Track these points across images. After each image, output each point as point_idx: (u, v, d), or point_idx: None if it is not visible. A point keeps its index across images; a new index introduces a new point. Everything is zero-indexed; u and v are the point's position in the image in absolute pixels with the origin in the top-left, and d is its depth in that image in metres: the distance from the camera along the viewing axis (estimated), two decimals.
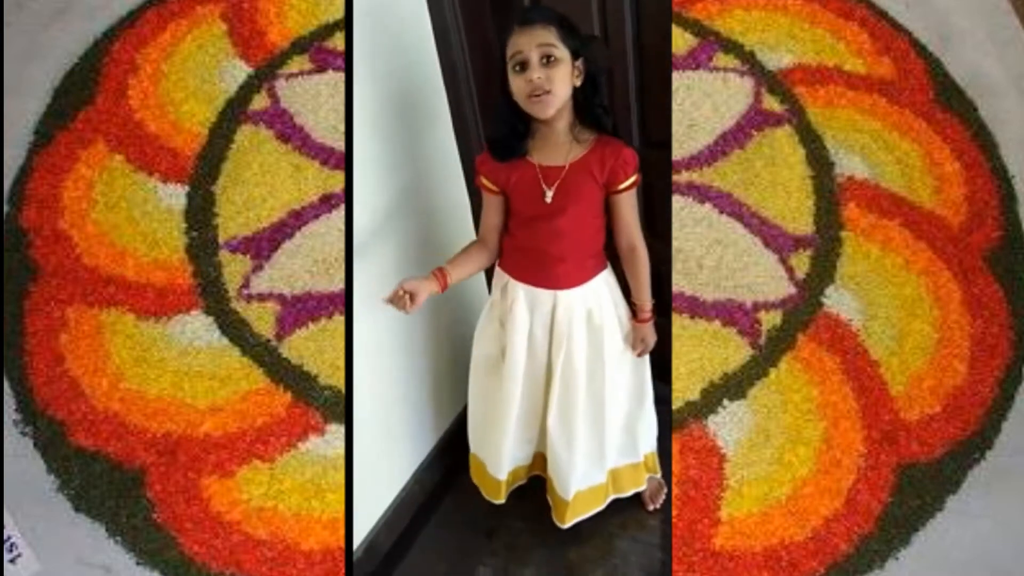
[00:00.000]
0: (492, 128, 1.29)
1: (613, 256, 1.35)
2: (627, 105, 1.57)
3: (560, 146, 1.23)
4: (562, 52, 1.16)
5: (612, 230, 1.30)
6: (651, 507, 1.53)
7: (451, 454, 1.63)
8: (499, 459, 1.44)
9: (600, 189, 1.24)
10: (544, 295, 1.30)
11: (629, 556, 1.46)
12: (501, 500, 1.49)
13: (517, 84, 1.17)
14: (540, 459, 1.52)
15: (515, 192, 1.26)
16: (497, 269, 1.36)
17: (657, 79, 1.56)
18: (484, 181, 1.29)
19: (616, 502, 1.51)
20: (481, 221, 1.34)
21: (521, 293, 1.31)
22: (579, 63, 1.19)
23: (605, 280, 1.34)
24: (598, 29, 1.50)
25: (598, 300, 1.32)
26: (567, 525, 1.45)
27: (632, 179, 1.24)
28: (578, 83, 1.19)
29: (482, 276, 1.60)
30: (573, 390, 1.34)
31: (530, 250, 1.28)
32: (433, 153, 1.56)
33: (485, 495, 1.51)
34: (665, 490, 1.55)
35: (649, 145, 1.59)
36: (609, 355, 1.35)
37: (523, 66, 1.16)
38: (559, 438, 1.39)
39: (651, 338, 1.36)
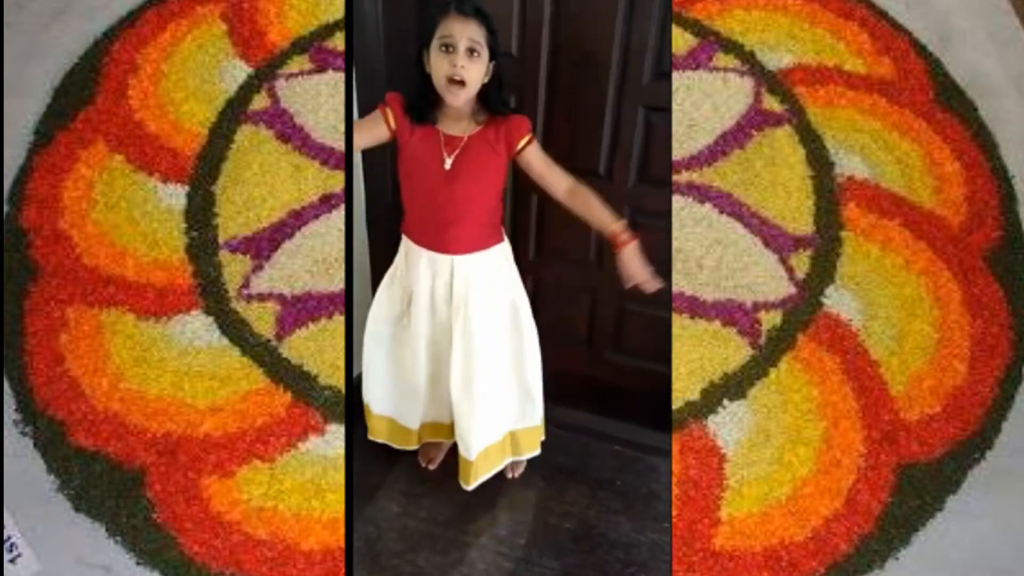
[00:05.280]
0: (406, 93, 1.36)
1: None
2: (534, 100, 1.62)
3: (461, 119, 1.32)
4: (485, 51, 1.25)
5: (543, 186, 1.36)
6: (510, 475, 1.62)
7: None
8: (410, 412, 1.53)
9: (500, 158, 1.32)
10: (442, 260, 1.36)
11: (477, 565, 1.46)
12: (415, 446, 1.59)
13: (440, 64, 1.25)
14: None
15: (415, 155, 1.33)
16: (403, 236, 1.42)
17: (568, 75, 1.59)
18: (388, 112, 1.32)
19: (470, 510, 1.55)
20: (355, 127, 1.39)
21: (423, 257, 1.37)
22: (492, 64, 1.28)
23: (503, 252, 1.43)
24: (516, 26, 1.56)
25: (495, 270, 1.41)
26: (471, 486, 1.50)
27: (528, 137, 1.32)
28: (486, 80, 1.29)
29: None
30: (471, 355, 1.41)
31: (429, 215, 1.35)
32: None
33: (399, 446, 1.59)
34: (524, 463, 1.63)
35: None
36: (504, 323, 1.44)
37: (449, 49, 1.23)
38: (461, 401, 1.44)
39: (636, 267, 1.28)
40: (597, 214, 1.32)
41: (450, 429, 1.58)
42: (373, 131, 1.34)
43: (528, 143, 1.32)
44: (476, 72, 1.25)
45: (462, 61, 1.23)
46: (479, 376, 1.42)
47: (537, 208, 1.73)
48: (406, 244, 1.42)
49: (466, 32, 1.23)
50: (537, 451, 1.61)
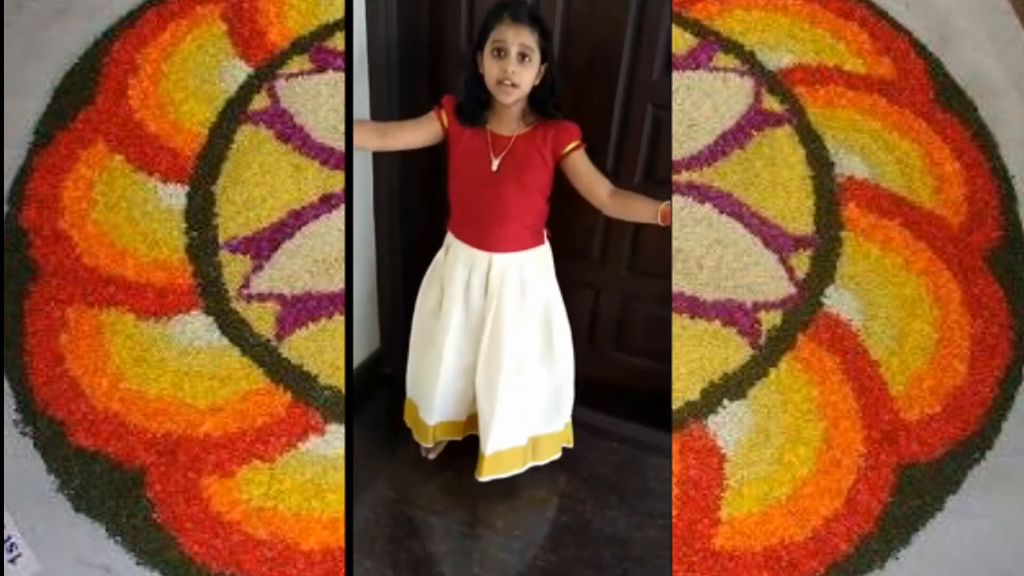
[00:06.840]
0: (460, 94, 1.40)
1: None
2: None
3: (511, 121, 1.37)
4: (536, 55, 1.30)
5: (586, 192, 1.38)
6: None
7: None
8: (431, 405, 1.55)
9: (546, 162, 1.36)
10: (481, 256, 1.41)
11: (472, 555, 1.48)
12: (428, 444, 1.62)
13: (492, 68, 1.30)
14: (474, 419, 1.59)
15: (465, 154, 1.38)
16: (448, 232, 1.47)
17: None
18: (442, 113, 1.38)
19: (468, 500, 1.58)
20: (401, 124, 1.42)
21: (462, 252, 1.42)
22: (544, 65, 1.33)
23: (542, 256, 1.46)
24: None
25: (532, 270, 1.44)
26: (483, 479, 1.53)
27: (575, 142, 1.36)
28: (538, 82, 1.33)
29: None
30: (500, 348, 1.44)
31: (473, 213, 1.40)
32: None
33: (416, 437, 1.63)
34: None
35: None
36: (536, 323, 1.47)
37: (501, 53, 1.28)
38: (483, 391, 1.49)
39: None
40: (641, 208, 1.34)
41: (463, 426, 1.63)
42: (426, 130, 1.39)
43: (575, 148, 1.36)
44: (527, 75, 1.30)
45: (513, 66, 1.28)
46: (505, 369, 1.45)
47: None
48: (448, 239, 1.47)
49: (518, 38, 1.27)
50: (557, 455, 1.62)
